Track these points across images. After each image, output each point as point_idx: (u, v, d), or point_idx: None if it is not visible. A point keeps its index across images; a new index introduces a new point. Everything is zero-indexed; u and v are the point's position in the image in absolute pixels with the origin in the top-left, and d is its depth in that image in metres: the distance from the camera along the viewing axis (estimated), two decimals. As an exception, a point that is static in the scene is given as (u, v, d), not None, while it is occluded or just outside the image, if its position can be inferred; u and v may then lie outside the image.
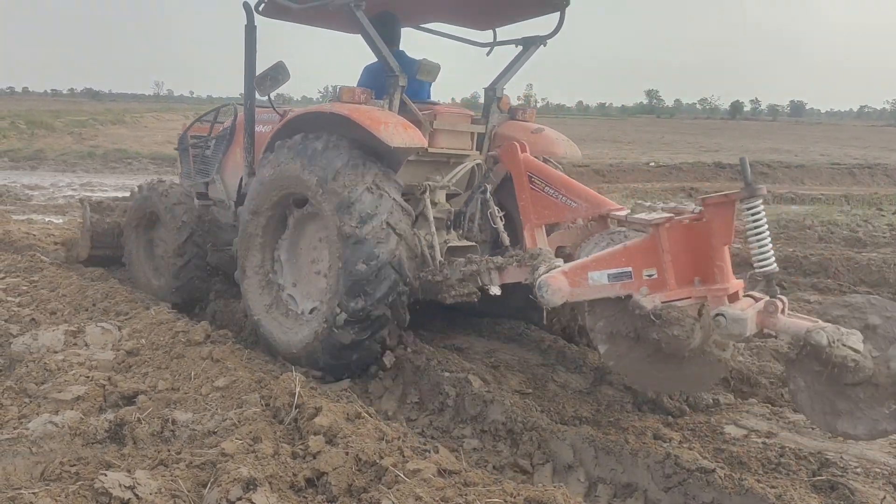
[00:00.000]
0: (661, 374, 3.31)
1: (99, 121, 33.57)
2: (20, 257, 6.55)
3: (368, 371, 4.16)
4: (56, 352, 3.86)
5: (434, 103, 4.93)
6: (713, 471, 2.83)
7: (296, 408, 3.14)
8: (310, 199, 4.18)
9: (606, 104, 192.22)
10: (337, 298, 3.91)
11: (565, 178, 4.22)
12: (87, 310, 5.01)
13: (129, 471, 2.60)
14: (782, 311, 2.87)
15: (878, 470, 3.10)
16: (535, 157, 4.51)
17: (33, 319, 4.61)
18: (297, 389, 3.24)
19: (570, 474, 3.11)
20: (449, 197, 4.73)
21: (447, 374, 3.86)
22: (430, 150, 4.51)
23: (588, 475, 3.09)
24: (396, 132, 3.94)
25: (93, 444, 2.95)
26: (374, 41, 4.34)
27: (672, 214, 3.14)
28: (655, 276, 3.13)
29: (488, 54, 5.27)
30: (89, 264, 6.47)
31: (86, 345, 4.04)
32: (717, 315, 2.87)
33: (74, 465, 2.71)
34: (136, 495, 2.42)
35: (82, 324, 4.32)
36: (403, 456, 2.75)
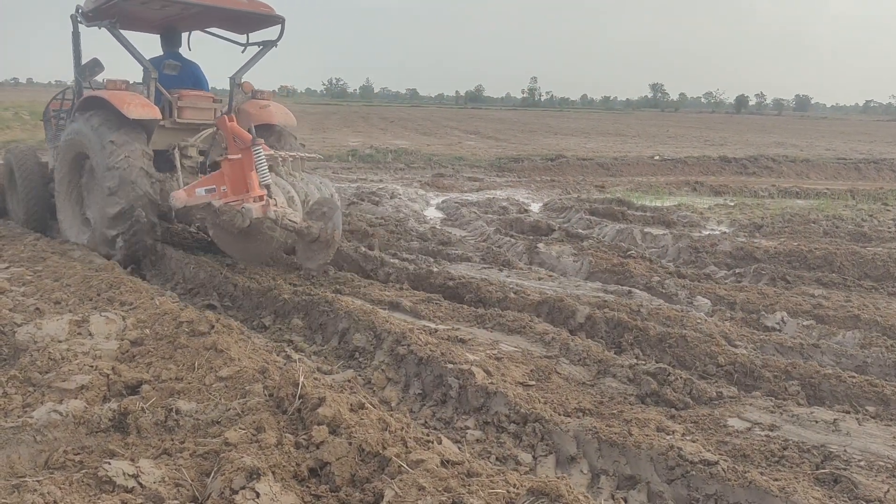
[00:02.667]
0: (241, 248, 5.83)
1: (102, 112, 33.43)
2: (24, 247, 6.57)
3: (140, 261, 6.31)
4: (60, 341, 3.85)
5: (205, 90, 7.17)
6: (716, 463, 2.83)
7: (299, 398, 3.14)
8: (88, 153, 6.22)
9: (611, 98, 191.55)
10: (103, 207, 5.99)
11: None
12: (91, 299, 5.01)
13: (132, 459, 2.60)
14: (273, 206, 5.33)
15: (881, 463, 3.09)
16: (263, 123, 6.66)
17: (37, 309, 4.62)
18: (301, 380, 3.24)
19: (573, 466, 3.11)
20: (204, 152, 6.77)
21: (450, 365, 3.86)
22: (179, 120, 6.69)
23: (591, 467, 3.09)
24: (135, 109, 5.96)
25: (97, 432, 2.95)
26: (129, 50, 6.36)
27: (229, 156, 5.58)
28: (226, 189, 5.51)
29: (243, 51, 7.16)
30: None
31: (90, 334, 4.04)
32: (242, 208, 5.26)
33: (78, 453, 2.72)
34: (140, 484, 2.42)
35: (87, 313, 4.31)
36: (406, 446, 2.75)
